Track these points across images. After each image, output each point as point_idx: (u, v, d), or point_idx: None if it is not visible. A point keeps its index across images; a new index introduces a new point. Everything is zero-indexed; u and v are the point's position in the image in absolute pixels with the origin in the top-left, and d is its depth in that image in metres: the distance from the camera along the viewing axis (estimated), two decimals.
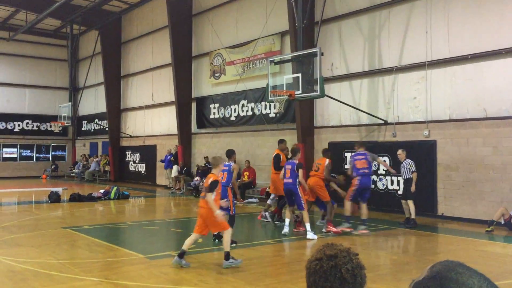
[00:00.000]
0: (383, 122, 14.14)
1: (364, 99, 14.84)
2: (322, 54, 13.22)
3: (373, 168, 13.05)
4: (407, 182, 11.68)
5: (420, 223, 11.72)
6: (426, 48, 13.07)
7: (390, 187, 13.92)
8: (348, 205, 10.93)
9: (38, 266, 7.31)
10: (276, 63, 15.55)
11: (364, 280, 1.53)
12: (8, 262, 7.66)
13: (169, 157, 21.74)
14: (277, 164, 11.57)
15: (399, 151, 11.93)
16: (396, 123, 13.82)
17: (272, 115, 17.77)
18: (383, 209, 13.82)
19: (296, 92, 13.40)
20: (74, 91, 32.48)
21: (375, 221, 12.21)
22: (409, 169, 11.57)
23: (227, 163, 9.64)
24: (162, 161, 22.41)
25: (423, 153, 12.95)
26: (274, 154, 12.05)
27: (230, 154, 10.43)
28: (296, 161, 10.39)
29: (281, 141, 12.34)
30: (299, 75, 13.60)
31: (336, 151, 15.31)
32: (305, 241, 9.88)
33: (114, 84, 27.88)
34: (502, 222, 10.77)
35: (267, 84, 14.55)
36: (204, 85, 21.70)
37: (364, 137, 14.80)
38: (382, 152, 13.88)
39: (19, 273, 7.00)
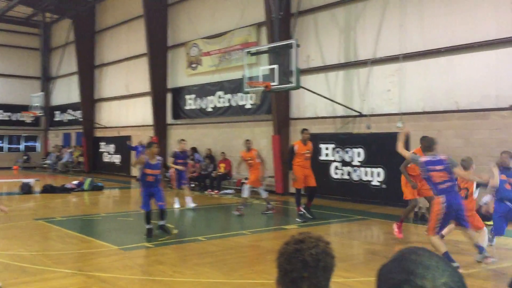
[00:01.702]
0: (358, 114, 14.28)
1: (340, 91, 14.95)
2: (298, 45, 13.25)
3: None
4: None
5: (392, 213, 11.91)
6: (400, 41, 13.22)
7: (364, 178, 14.09)
8: (437, 243, 6.85)
9: (9, 259, 7.18)
10: (252, 54, 15.51)
11: (329, 267, 1.57)
12: None
13: (140, 148, 21.38)
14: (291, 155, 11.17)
15: None
16: (371, 115, 13.98)
17: (248, 106, 17.75)
18: (358, 200, 13.98)
19: (272, 84, 13.41)
20: (46, 80, 31.82)
21: (350, 211, 12.37)
22: None
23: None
24: (130, 147, 21.37)
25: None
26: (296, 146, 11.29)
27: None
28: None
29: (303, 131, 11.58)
30: (275, 66, 13.60)
31: (312, 142, 15.41)
32: (280, 232, 9.95)
33: (87, 74, 27.40)
34: None
35: (243, 75, 14.53)
36: (180, 75, 21.52)
37: (339, 128, 14.94)
38: (356, 144, 14.03)
39: None
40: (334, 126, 15.12)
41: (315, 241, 1.59)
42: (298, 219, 10.90)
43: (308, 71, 15.58)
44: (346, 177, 14.46)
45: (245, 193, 11.92)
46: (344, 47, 14.89)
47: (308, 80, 15.36)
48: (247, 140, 12.96)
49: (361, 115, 14.23)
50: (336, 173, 14.72)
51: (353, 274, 6.49)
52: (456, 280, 1.11)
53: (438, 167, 6.79)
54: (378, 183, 13.49)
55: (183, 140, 14.22)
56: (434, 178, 6.80)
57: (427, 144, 7.47)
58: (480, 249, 6.96)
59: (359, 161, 14.02)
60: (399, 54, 13.17)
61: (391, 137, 13.27)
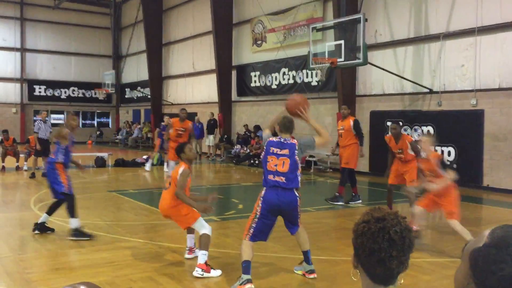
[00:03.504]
0: (428, 90, 13.75)
1: (409, 67, 14.43)
2: (366, 20, 12.88)
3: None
4: None
5: (464, 194, 11.47)
6: (476, 13, 12.50)
7: None
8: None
9: (86, 227, 7.62)
10: (318, 30, 15.27)
11: (412, 243, 1.53)
12: (59, 223, 8.02)
13: (200, 126, 21.67)
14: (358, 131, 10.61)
15: None
16: (442, 92, 13.42)
17: (313, 83, 17.57)
18: None
19: (338, 60, 13.17)
20: (117, 58, 33.08)
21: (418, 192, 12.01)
22: None
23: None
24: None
25: (470, 123, 12.57)
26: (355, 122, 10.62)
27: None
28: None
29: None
30: (342, 42, 13.32)
31: (378, 120, 15.08)
32: (344, 210, 9.88)
33: (156, 52, 28.15)
34: None
35: (309, 52, 14.35)
36: (245, 53, 21.60)
37: (407, 106, 14.47)
38: (426, 122, 13.55)
39: (68, 233, 7.33)
40: (402, 103, 14.67)
41: (395, 218, 1.55)
42: (334, 201, 10.37)
43: (376, 46, 15.14)
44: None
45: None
46: (414, 21, 14.30)
47: (375, 56, 14.94)
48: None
49: (431, 92, 13.70)
50: None
51: (422, 254, 6.34)
52: None
53: None
54: (448, 163, 12.99)
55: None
56: None
57: None
58: None
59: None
60: (474, 27, 12.47)
61: (464, 115, 12.72)
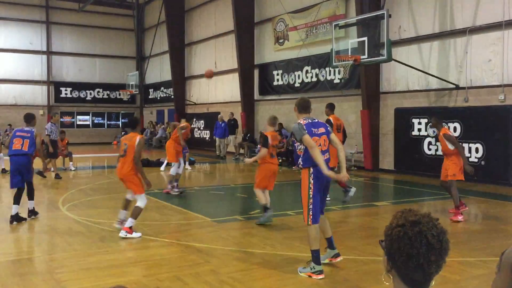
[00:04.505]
0: (454, 86, 13.50)
1: (434, 63, 14.20)
2: (389, 16, 12.72)
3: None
4: None
5: (492, 192, 11.25)
6: (503, 6, 12.22)
7: None
8: None
9: (113, 227, 7.73)
10: (340, 27, 15.15)
11: (448, 245, 1.50)
12: (86, 222, 8.16)
13: (223, 124, 21.68)
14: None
15: None
16: (469, 87, 13.16)
17: (336, 81, 17.45)
18: None
19: (362, 57, 13.05)
20: (140, 59, 33.44)
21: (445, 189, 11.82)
22: None
23: (26, 128, 8.51)
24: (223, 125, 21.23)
25: (497, 119, 12.30)
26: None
27: (30, 119, 8.79)
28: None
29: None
30: (365, 39, 13.20)
31: (403, 117, 14.89)
32: (370, 208, 9.78)
33: (178, 52, 28.36)
34: None
35: (331, 49, 14.26)
36: (267, 51, 21.58)
37: (433, 102, 14.25)
38: (452, 118, 13.32)
39: (96, 233, 7.45)
40: (427, 99, 14.44)
41: (430, 221, 1.52)
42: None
43: (400, 42, 14.94)
44: (440, 153, 13.80)
45: None
46: (439, 16, 14.06)
47: (399, 52, 14.75)
48: None
49: (457, 88, 13.45)
50: (429, 149, 14.12)
51: (452, 253, 6.20)
52: None
53: None
54: (476, 160, 12.75)
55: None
56: None
57: None
58: None
59: (455, 137, 13.30)
60: (502, 21, 12.20)
61: (491, 111, 12.45)
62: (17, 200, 8.19)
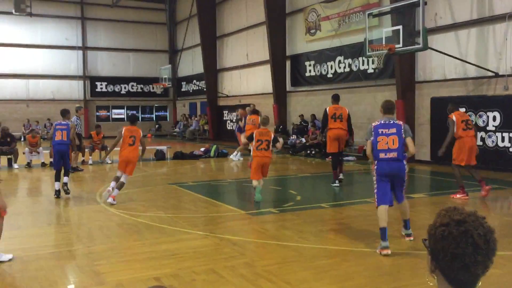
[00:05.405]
0: (493, 74, 13.08)
1: (472, 50, 13.78)
2: (425, 3, 12.40)
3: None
4: None
5: None
6: None
7: (500, 144, 12.99)
8: None
9: (149, 219, 7.85)
10: (374, 16, 14.86)
11: (496, 245, 1.44)
12: (122, 215, 8.31)
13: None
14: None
15: None
16: (509, 75, 12.72)
17: (370, 71, 17.16)
18: (493, 168, 12.96)
19: (396, 46, 12.79)
20: (173, 53, 33.76)
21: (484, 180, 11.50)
22: None
23: (63, 122, 10.49)
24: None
25: None
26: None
27: (65, 113, 10.79)
28: None
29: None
30: (400, 27, 12.92)
31: (440, 107, 14.51)
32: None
33: (210, 45, 28.46)
34: None
35: (365, 39, 14.02)
36: (299, 42, 21.40)
37: (471, 91, 13.84)
38: (492, 107, 12.92)
39: (133, 225, 7.58)
40: (465, 88, 14.04)
41: (476, 219, 1.45)
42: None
43: (436, 30, 14.55)
44: (479, 143, 13.38)
45: None
46: (477, 2, 13.60)
47: (435, 40, 14.36)
48: None
49: (497, 76, 13.02)
50: None
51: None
52: None
53: None
54: None
55: None
56: None
57: None
58: None
59: (494, 126, 12.92)
60: None
61: None
62: (57, 178, 10.08)
